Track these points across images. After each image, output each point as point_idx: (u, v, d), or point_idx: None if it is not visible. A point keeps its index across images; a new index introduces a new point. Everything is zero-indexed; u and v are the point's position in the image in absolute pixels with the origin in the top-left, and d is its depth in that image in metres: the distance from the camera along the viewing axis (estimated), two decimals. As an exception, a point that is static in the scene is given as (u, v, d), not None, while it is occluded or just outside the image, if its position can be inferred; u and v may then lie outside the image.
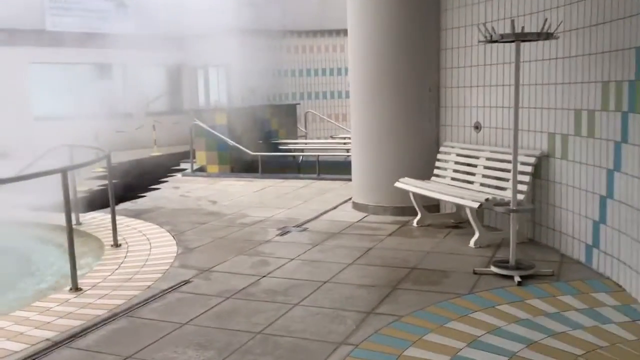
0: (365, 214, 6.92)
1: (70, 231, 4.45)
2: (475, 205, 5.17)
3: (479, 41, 4.80)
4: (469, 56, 6.24)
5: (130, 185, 9.78)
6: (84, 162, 5.31)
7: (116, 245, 5.74)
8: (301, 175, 10.17)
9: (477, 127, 6.18)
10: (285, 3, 15.68)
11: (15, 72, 14.56)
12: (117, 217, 6.73)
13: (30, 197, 7.06)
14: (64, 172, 4.40)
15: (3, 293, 4.63)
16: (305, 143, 12.45)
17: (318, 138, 15.00)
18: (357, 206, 7.17)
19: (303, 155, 11.56)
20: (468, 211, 5.37)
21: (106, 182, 7.20)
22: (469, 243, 5.43)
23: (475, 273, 4.60)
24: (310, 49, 16.82)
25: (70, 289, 4.44)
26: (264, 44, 15.50)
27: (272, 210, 7.38)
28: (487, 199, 5.20)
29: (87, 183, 9.91)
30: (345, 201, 7.70)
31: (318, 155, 10.09)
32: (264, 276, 4.72)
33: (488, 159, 5.83)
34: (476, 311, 3.82)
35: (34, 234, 6.56)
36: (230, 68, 15.85)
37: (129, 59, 16.03)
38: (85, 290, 4.45)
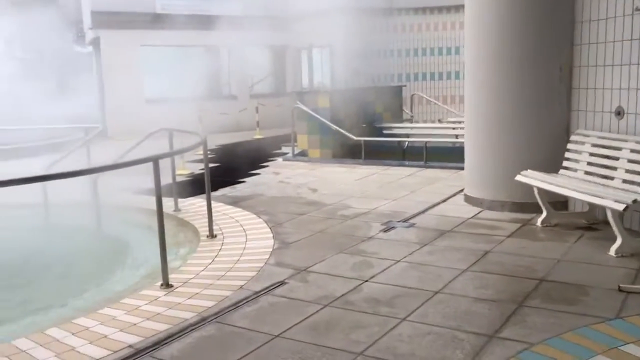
0: (479, 209, 6.20)
1: (161, 224, 4.18)
2: (621, 207, 4.33)
3: (636, 10, 3.93)
4: (611, 30, 5.30)
5: (231, 169, 9.63)
6: (177, 149, 5.04)
7: (211, 235, 5.47)
8: (406, 163, 9.53)
9: (620, 113, 5.25)
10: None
11: (127, 55, 14.99)
12: (215, 204, 6.53)
13: (133, 180, 7.03)
14: (155, 160, 4.11)
15: (95, 285, 4.47)
16: (411, 127, 11.74)
17: (424, 122, 14.20)
18: (469, 200, 6.46)
19: (409, 141, 10.88)
20: (609, 213, 4.53)
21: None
22: (608, 251, 4.60)
23: (620, 290, 3.82)
24: (418, 28, 15.94)
25: (161, 285, 4.18)
26: (369, 23, 14.85)
27: (375, 201, 6.85)
28: (635, 200, 4.34)
29: (188, 166, 9.89)
30: (456, 193, 7.00)
31: (426, 142, 9.39)
32: (366, 281, 4.21)
33: (633, 151, 4.92)
34: (628, 343, 3.09)
35: (134, 219, 6.47)
36: (335, 49, 15.37)
37: (235, 41, 16.02)
38: (176, 287, 4.17)
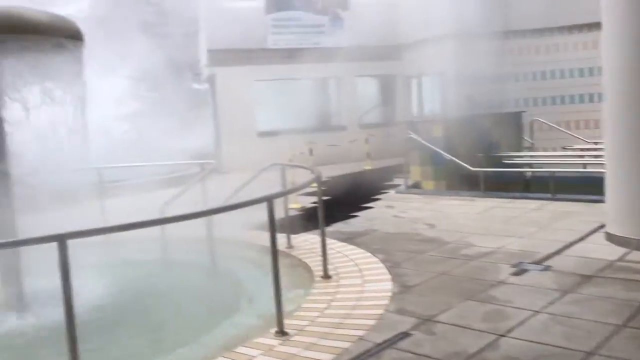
0: (626, 250, 5.44)
1: (275, 268, 3.96)
2: None
3: None
4: None
5: (343, 202, 9.39)
6: (291, 188, 4.85)
7: (326, 276, 5.19)
8: (531, 195, 8.80)
9: None
10: (509, 0, 14.26)
11: (241, 90, 15.41)
12: (329, 241, 6.25)
13: (244, 214, 6.98)
14: (269, 200, 3.91)
15: (208, 329, 4.31)
16: (534, 156, 10.92)
17: (545, 149, 13.24)
18: (613, 238, 5.71)
19: (532, 171, 10.10)
20: None
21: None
22: None
23: None
24: (537, 50, 15.06)
25: (276, 332, 3.93)
26: (484, 47, 14.22)
27: (500, 238, 6.27)
28: None
29: (300, 199, 9.78)
30: (595, 230, 6.25)
31: (553, 172, 8.62)
32: (502, 335, 3.71)
33: None
34: None
35: (246, 256, 6.36)
36: (446, 76, 14.88)
37: (344, 72, 16.02)
38: (292, 336, 3.90)
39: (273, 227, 3.96)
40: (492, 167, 10.16)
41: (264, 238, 6.70)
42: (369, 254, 5.96)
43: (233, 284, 5.52)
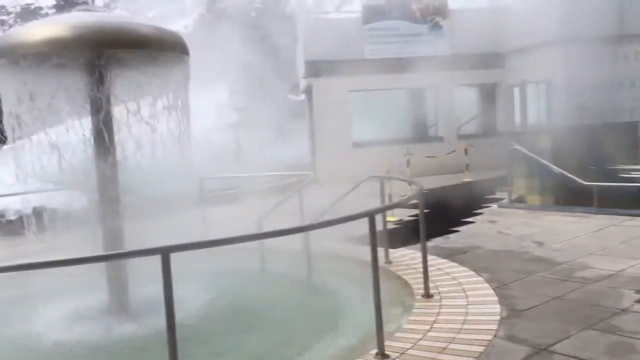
0: None
1: (377, 286, 3.77)
2: None
3: None
4: None
5: (442, 216, 9.03)
6: (395, 203, 4.65)
7: (427, 295, 4.94)
8: (653, 212, 8.03)
9: None
10: (624, 2, 13.28)
11: (337, 101, 15.40)
12: (428, 257, 5.99)
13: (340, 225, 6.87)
14: (371, 215, 3.74)
15: (304, 349, 4.19)
16: (653, 169, 10.01)
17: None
18: None
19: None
20: None
21: (418, 211, 6.57)
22: None
23: None
24: (655, 55, 13.90)
25: (376, 354, 3.74)
26: (596, 52, 13.31)
27: (621, 260, 5.72)
28: None
29: (397, 212, 9.53)
30: None
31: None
32: (631, 373, 3.31)
33: None
34: None
35: (343, 269, 6.23)
36: (554, 83, 14.07)
37: (442, 81, 15.61)
38: (393, 359, 3.69)
39: (374, 243, 3.78)
40: (604, 180, 9.41)
41: (361, 251, 6.59)
42: (473, 273, 5.63)
43: (330, 300, 5.38)
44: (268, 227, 6.59)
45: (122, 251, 2.93)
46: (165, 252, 2.87)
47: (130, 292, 5.08)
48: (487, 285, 5.20)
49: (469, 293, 5.00)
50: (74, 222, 5.97)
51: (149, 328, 4.58)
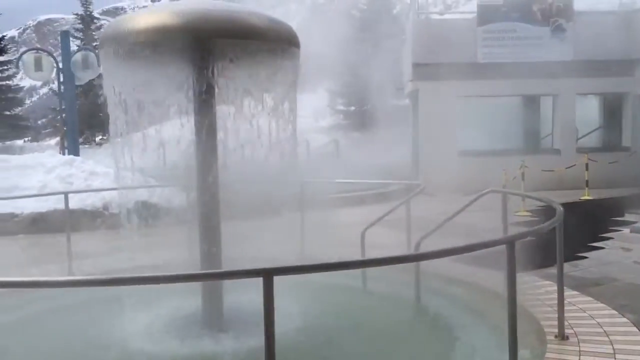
0: None
1: (513, 326, 3.11)
2: None
3: None
4: None
5: (565, 238, 8.04)
6: (534, 228, 3.93)
7: (562, 337, 4.17)
8: None
9: None
10: None
11: (444, 107, 14.58)
12: (553, 287, 5.18)
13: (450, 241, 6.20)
14: (510, 242, 3.08)
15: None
16: None
17: None
18: None
19: None
20: None
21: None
22: None
23: None
24: None
25: (508, 411, 3.08)
26: None
27: None
28: None
29: (510, 229, 8.63)
30: None
31: None
32: None
33: None
34: None
35: (456, 293, 5.56)
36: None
37: (562, 89, 14.37)
38: (529, 420, 3.02)
39: (513, 275, 3.12)
40: None
41: (475, 274, 5.89)
42: (614, 311, 4.77)
43: (441, 329, 4.74)
44: (372, 240, 6.18)
45: (220, 271, 2.52)
46: (267, 275, 2.40)
47: (225, 301, 4.71)
48: (635, 329, 4.34)
49: (613, 338, 4.18)
50: (174, 219, 5.77)
51: (244, 344, 4.18)
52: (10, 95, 22.51)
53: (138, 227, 5.38)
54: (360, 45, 21.91)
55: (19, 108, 26.20)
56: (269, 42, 4.39)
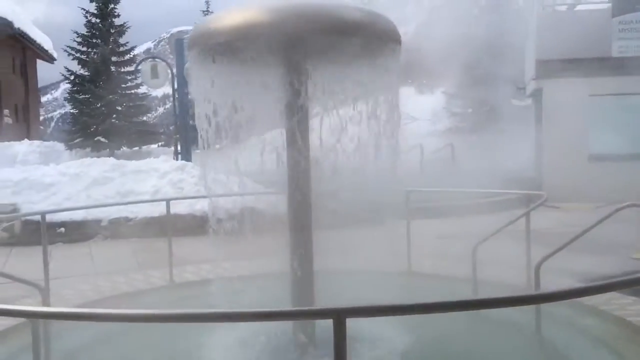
0: None
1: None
2: None
3: None
4: None
5: None
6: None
7: None
8: None
9: None
10: None
11: (572, 107, 13.28)
12: None
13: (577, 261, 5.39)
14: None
15: None
16: None
17: None
18: None
19: None
20: None
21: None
22: None
23: None
24: None
25: None
26: None
27: None
28: None
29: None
30: None
31: None
32: None
33: None
34: None
35: (584, 324, 4.76)
36: None
37: None
38: None
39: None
40: None
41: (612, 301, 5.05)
42: None
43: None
44: (485, 255, 5.52)
45: (291, 310, 2.12)
46: (338, 316, 1.96)
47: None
48: None
49: None
50: (278, 226, 5.53)
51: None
52: (138, 103, 23.86)
53: (243, 233, 5.19)
54: (479, 43, 20.79)
55: (147, 115, 27.73)
56: (367, 38, 3.95)
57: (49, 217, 9.15)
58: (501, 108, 20.89)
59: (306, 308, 2.16)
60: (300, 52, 4.03)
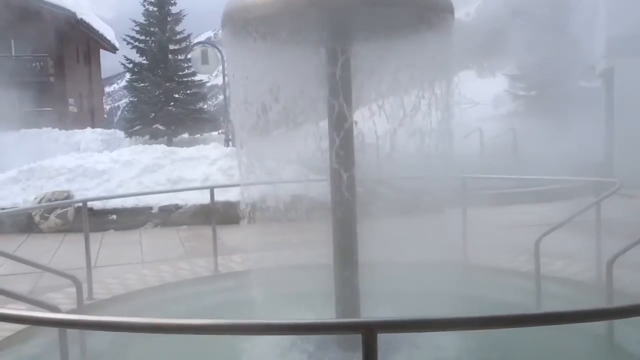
0: None
1: None
2: None
3: None
4: None
5: None
6: None
7: None
8: None
9: None
10: None
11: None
12: None
13: None
14: None
15: None
16: None
17: None
18: None
19: None
20: None
21: None
22: None
23: None
24: None
25: None
26: None
27: None
28: None
29: None
30: None
31: None
32: None
33: None
34: None
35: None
36: None
37: None
38: None
39: None
40: None
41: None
42: None
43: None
44: (549, 248, 5.03)
45: (320, 322, 1.82)
46: (368, 330, 1.63)
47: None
48: None
49: None
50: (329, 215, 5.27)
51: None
52: (195, 90, 24.03)
53: (293, 221, 4.95)
54: (544, 21, 19.70)
55: (207, 103, 27.96)
56: (415, 8, 3.55)
57: (101, 204, 9.23)
58: (568, 90, 19.77)
59: (335, 320, 1.90)
60: (341, 26, 3.68)
